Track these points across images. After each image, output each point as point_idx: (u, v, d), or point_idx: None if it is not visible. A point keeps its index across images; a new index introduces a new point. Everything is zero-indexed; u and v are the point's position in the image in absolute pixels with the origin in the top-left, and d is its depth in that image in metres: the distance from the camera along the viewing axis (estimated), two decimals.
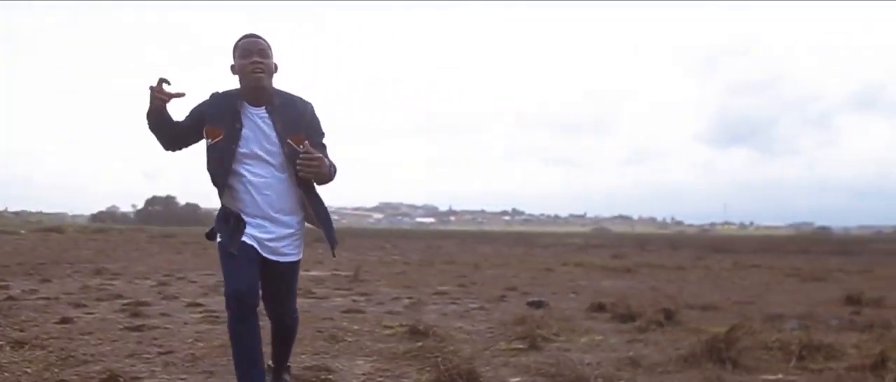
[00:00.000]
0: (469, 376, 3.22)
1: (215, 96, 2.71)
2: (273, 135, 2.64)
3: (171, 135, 2.70)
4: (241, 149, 2.63)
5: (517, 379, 3.54)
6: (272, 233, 2.67)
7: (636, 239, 43.69)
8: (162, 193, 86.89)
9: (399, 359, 3.95)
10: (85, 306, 5.92)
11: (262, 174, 2.65)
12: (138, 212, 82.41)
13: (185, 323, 5.13)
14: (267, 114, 2.65)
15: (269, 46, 2.67)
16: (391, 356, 4.03)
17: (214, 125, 2.64)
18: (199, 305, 6.14)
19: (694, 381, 3.46)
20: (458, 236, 43.65)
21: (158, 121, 2.62)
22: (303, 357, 3.99)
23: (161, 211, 77.98)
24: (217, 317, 5.41)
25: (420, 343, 4.24)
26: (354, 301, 6.92)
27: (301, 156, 2.58)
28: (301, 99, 2.76)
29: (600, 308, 6.35)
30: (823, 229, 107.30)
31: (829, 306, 7.06)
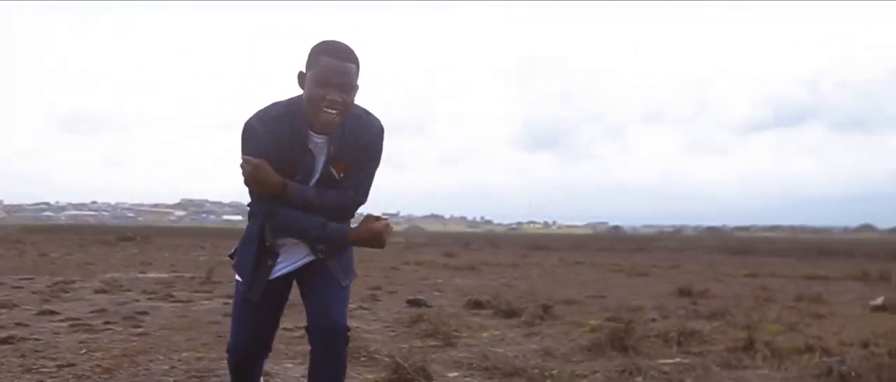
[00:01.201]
0: (423, 372, 3.38)
1: (270, 124, 2.13)
2: (322, 159, 2.21)
3: None
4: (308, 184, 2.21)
5: (456, 374, 3.76)
6: (306, 247, 2.28)
7: (455, 237, 45.49)
8: None
9: None
10: None
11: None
12: None
13: (56, 334, 4.68)
14: (326, 140, 2.18)
15: (356, 70, 2.13)
16: None
17: (289, 164, 2.15)
18: (55, 313, 5.59)
19: (612, 367, 3.89)
20: None
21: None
22: (223, 362, 3.89)
23: None
24: (90, 326, 5.00)
25: None
26: (226, 303, 6.66)
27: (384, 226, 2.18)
28: (369, 117, 2.24)
29: (478, 304, 6.74)
30: (616, 228, 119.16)
31: (667, 298, 8.09)
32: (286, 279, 2.30)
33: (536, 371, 3.71)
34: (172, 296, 7.11)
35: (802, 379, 3.78)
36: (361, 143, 2.22)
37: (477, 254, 21.02)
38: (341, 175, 2.22)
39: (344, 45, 2.13)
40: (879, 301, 7.32)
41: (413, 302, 6.91)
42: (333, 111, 2.09)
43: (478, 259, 17.51)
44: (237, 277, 2.34)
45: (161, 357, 4.01)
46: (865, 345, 4.73)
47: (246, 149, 2.13)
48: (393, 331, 5.20)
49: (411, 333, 5.05)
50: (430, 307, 6.76)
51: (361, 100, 2.22)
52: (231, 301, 2.64)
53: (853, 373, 3.68)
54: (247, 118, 2.16)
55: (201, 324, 5.23)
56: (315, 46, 2.13)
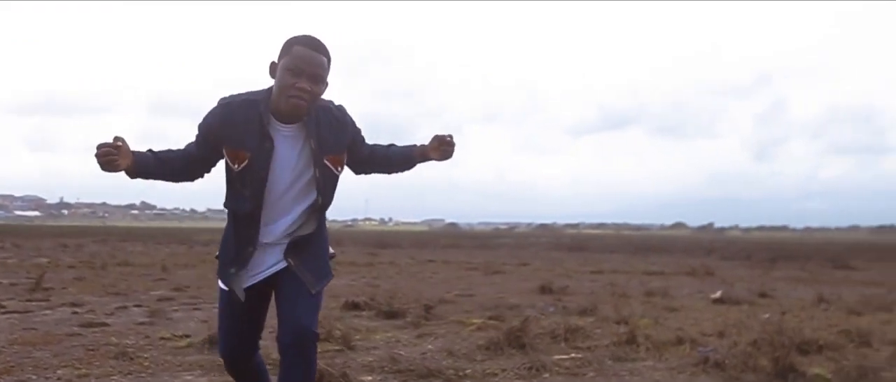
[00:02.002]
0: (346, 378, 3.41)
1: (229, 106, 2.24)
2: (304, 155, 2.27)
3: (173, 170, 2.28)
4: (273, 175, 2.23)
5: (370, 378, 3.81)
6: (279, 253, 2.31)
7: None
8: None
9: None
10: None
11: (284, 201, 2.28)
12: None
13: None
14: (299, 131, 2.26)
15: (328, 64, 2.23)
16: (219, 368, 3.91)
17: (237, 146, 2.21)
18: None
19: (518, 365, 4.13)
20: (90, 233, 39.26)
21: (137, 174, 2.18)
22: (114, 378, 3.66)
23: None
24: None
25: None
26: (75, 312, 6.17)
27: (447, 140, 2.45)
28: (334, 105, 2.36)
29: (356, 306, 6.76)
30: (453, 225, 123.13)
31: (531, 295, 8.58)
32: (264, 283, 2.31)
33: (451, 371, 3.87)
34: (3, 307, 6.43)
35: (684, 368, 4.25)
36: (347, 134, 2.36)
37: None
38: (339, 169, 2.33)
39: (317, 38, 2.23)
40: (718, 294, 8.28)
41: None
42: (301, 101, 2.18)
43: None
44: (220, 284, 2.35)
45: (33, 377, 3.68)
46: (722, 335, 5.38)
47: (200, 123, 2.27)
48: None
49: None
50: None
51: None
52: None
53: (727, 361, 4.21)
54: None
55: (60, 337, 4.82)
56: (289, 38, 2.23)
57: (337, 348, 4.61)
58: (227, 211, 2.33)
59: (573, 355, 4.52)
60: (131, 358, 4.13)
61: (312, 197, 2.30)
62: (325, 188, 2.31)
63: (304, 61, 2.18)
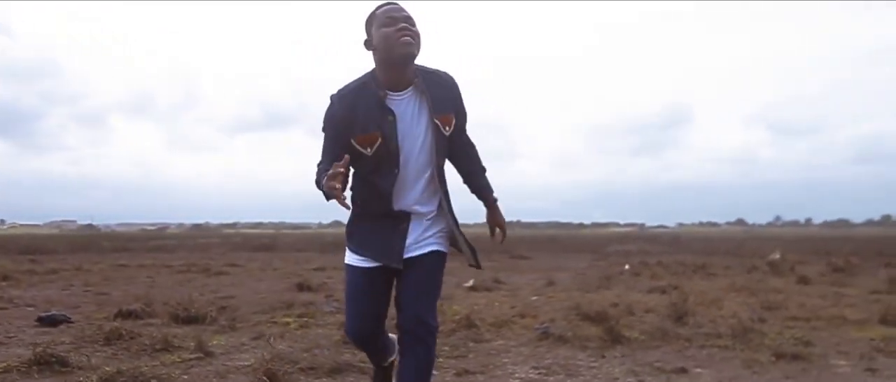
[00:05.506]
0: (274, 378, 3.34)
1: (343, 96, 2.29)
2: (423, 117, 2.31)
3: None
4: (403, 144, 2.29)
5: (304, 378, 3.75)
6: (413, 233, 2.39)
7: None
8: None
9: None
10: None
11: (409, 168, 2.33)
12: None
13: None
14: (413, 95, 2.31)
15: (412, 17, 2.28)
16: None
17: (365, 130, 2.27)
18: None
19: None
20: None
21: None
22: None
23: None
24: None
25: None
26: None
27: (499, 234, 2.61)
28: (444, 72, 2.42)
29: (133, 315, 6.19)
30: (90, 227, 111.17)
31: (293, 293, 8.56)
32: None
33: (364, 363, 3.95)
34: None
35: (532, 342, 4.91)
36: (453, 100, 2.40)
37: None
38: (447, 128, 2.37)
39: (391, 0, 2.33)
40: (471, 283, 9.24)
41: (47, 320, 5.88)
42: (408, 37, 2.22)
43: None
44: (354, 257, 2.40)
45: None
46: (523, 315, 6.19)
47: (323, 124, 2.33)
48: (104, 352, 4.54)
49: (131, 352, 4.52)
50: (73, 322, 5.92)
51: None
52: None
53: (570, 334, 4.98)
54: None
55: None
56: (369, 13, 2.32)
57: (195, 356, 4.31)
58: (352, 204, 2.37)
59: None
60: None
61: (430, 164, 2.37)
62: (437, 151, 2.36)
63: (393, 11, 2.26)
